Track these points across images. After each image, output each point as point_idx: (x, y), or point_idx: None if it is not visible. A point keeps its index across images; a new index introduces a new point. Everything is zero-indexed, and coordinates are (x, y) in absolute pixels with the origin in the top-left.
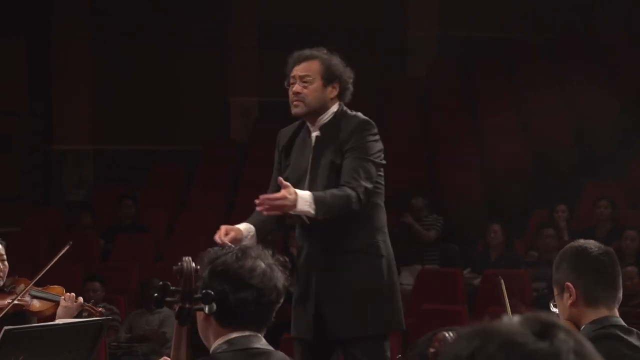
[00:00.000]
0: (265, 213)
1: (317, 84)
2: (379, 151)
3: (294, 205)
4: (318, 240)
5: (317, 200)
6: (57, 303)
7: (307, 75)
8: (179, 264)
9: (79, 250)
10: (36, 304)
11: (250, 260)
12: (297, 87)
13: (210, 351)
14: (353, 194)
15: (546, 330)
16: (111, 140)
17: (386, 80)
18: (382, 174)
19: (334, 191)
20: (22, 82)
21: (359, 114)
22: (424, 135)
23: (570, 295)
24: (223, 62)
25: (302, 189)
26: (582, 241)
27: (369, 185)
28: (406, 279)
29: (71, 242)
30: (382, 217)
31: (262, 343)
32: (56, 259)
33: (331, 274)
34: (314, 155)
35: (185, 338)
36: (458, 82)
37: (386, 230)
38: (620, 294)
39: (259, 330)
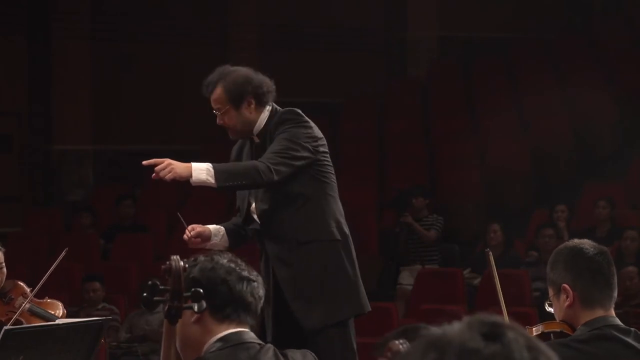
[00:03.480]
0: (155, 178)
1: (231, 111)
2: (307, 136)
3: (188, 173)
4: (272, 239)
5: (216, 169)
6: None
7: (219, 107)
8: (167, 262)
9: (79, 250)
10: (31, 321)
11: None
12: (218, 120)
13: (202, 352)
14: (261, 165)
15: (494, 330)
16: (111, 140)
17: (386, 81)
18: (328, 162)
19: (241, 162)
20: (22, 82)
21: (289, 108)
22: (424, 135)
23: (567, 297)
24: (223, 62)
25: (250, 197)
26: (576, 241)
27: (282, 160)
28: (406, 279)
29: (68, 248)
30: (335, 207)
31: (252, 337)
32: (53, 266)
33: (289, 270)
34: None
35: (174, 337)
36: (458, 82)
37: (341, 218)
38: (616, 294)
39: (250, 325)
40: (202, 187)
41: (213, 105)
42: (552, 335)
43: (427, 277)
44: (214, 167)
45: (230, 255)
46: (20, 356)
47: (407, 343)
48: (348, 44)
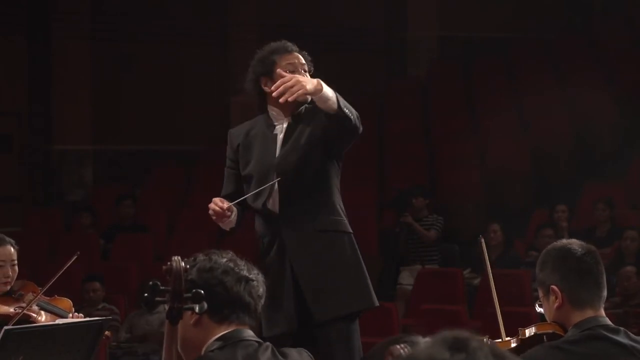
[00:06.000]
0: (288, 99)
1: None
2: None
3: (319, 87)
4: (290, 225)
5: (337, 94)
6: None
7: (306, 64)
8: (168, 263)
9: (79, 250)
10: (43, 317)
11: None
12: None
13: (202, 352)
14: (354, 111)
15: (459, 342)
16: (111, 140)
17: (386, 80)
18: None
19: None
20: (22, 82)
21: None
22: (424, 135)
23: (557, 298)
24: (223, 62)
25: (269, 180)
26: (564, 241)
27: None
28: (406, 279)
29: (79, 253)
30: (340, 199)
31: (250, 334)
32: (64, 269)
33: (307, 258)
34: (286, 142)
35: (176, 338)
36: (458, 82)
37: (344, 212)
38: (605, 293)
39: (249, 325)
40: (201, 187)
41: (302, 61)
42: (544, 336)
43: (427, 277)
44: (335, 92)
45: (230, 254)
46: (20, 356)
47: (409, 347)
48: (348, 44)
